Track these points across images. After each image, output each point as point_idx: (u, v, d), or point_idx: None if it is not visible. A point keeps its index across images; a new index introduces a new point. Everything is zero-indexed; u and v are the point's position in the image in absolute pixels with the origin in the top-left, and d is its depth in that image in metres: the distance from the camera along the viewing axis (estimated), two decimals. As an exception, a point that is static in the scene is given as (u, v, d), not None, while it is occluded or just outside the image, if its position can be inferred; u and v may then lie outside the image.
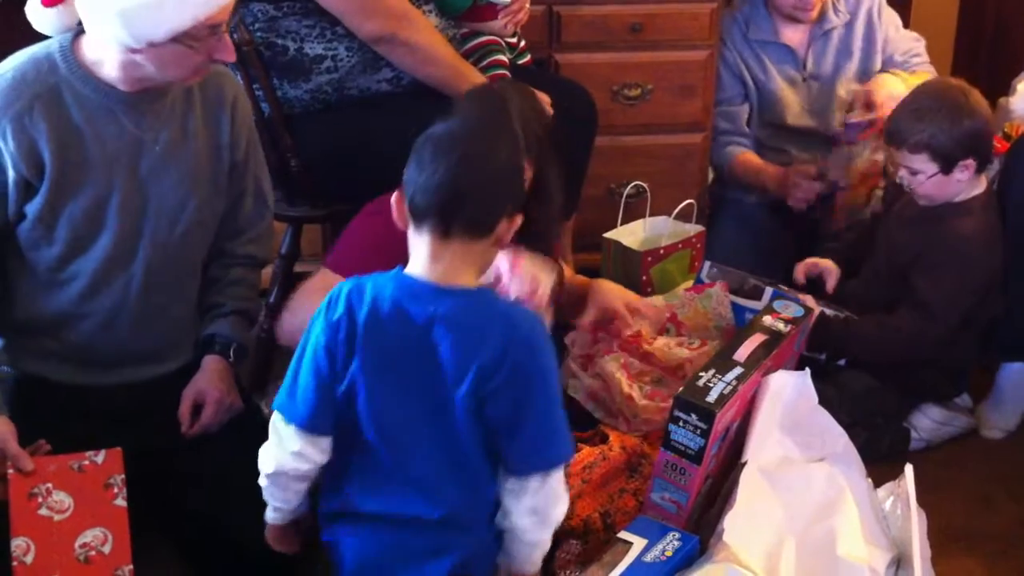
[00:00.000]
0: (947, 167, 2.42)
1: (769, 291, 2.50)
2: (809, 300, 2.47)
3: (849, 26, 3.12)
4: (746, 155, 3.14)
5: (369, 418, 1.70)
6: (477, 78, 2.57)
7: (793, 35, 3.12)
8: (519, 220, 1.72)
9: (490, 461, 1.72)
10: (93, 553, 1.86)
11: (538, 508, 1.71)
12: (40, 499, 1.88)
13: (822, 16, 3.09)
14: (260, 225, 2.30)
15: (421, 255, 1.69)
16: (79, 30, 1.96)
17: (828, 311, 2.55)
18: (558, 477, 1.71)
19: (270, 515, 1.81)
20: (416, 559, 1.73)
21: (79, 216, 2.00)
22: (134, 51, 1.88)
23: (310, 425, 1.72)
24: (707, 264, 2.64)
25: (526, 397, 1.66)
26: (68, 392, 2.09)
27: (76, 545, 1.86)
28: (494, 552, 1.77)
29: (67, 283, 2.05)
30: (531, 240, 2.27)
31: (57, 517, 1.87)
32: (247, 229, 2.28)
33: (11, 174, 1.94)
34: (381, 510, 1.73)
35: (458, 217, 1.66)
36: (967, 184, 2.47)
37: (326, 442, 1.74)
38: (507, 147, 1.72)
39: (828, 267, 2.65)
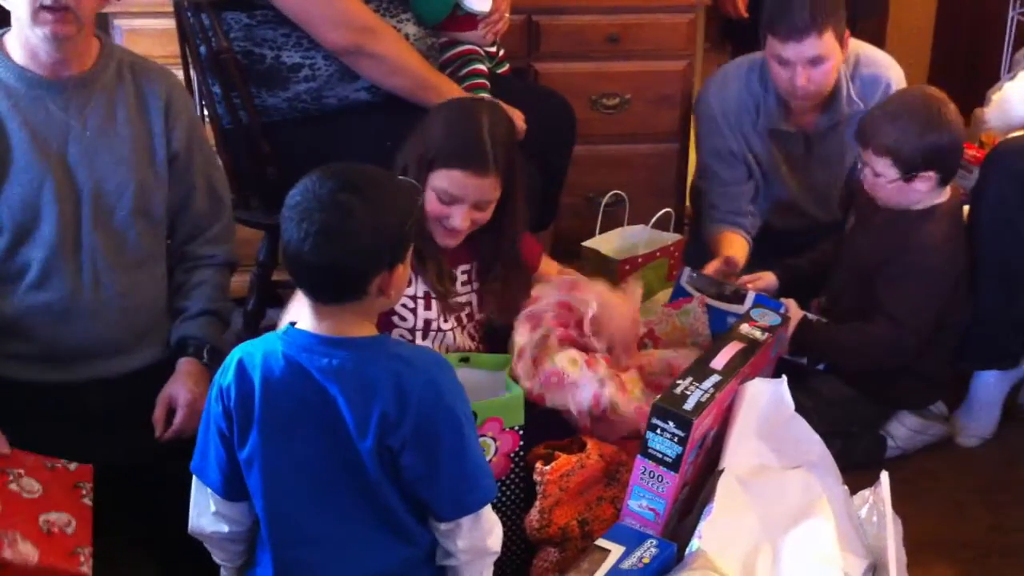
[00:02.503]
0: (908, 175, 2.43)
1: (751, 295, 2.51)
2: (791, 305, 2.48)
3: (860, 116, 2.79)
4: (727, 235, 2.91)
5: (272, 489, 1.69)
6: (446, 87, 2.57)
7: (803, 122, 2.88)
8: (402, 270, 1.68)
9: (416, 509, 1.72)
10: (56, 529, 1.86)
11: (474, 546, 1.72)
12: (11, 478, 1.89)
13: (834, 105, 2.81)
14: (217, 224, 2.30)
15: (307, 310, 1.68)
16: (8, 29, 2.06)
17: (810, 316, 2.56)
18: (487, 514, 1.72)
19: (222, 572, 1.84)
20: None
21: (16, 202, 2.04)
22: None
23: (224, 492, 1.74)
24: (686, 270, 2.64)
25: (438, 443, 1.65)
26: (38, 394, 2.08)
27: (40, 519, 1.86)
28: None
29: (19, 276, 2.07)
30: (496, 256, 2.28)
31: (25, 495, 1.88)
32: (204, 228, 2.29)
33: None
34: None
35: (320, 288, 1.65)
36: (928, 194, 2.48)
37: (244, 507, 1.75)
38: (364, 211, 1.61)
39: (764, 275, 2.65)
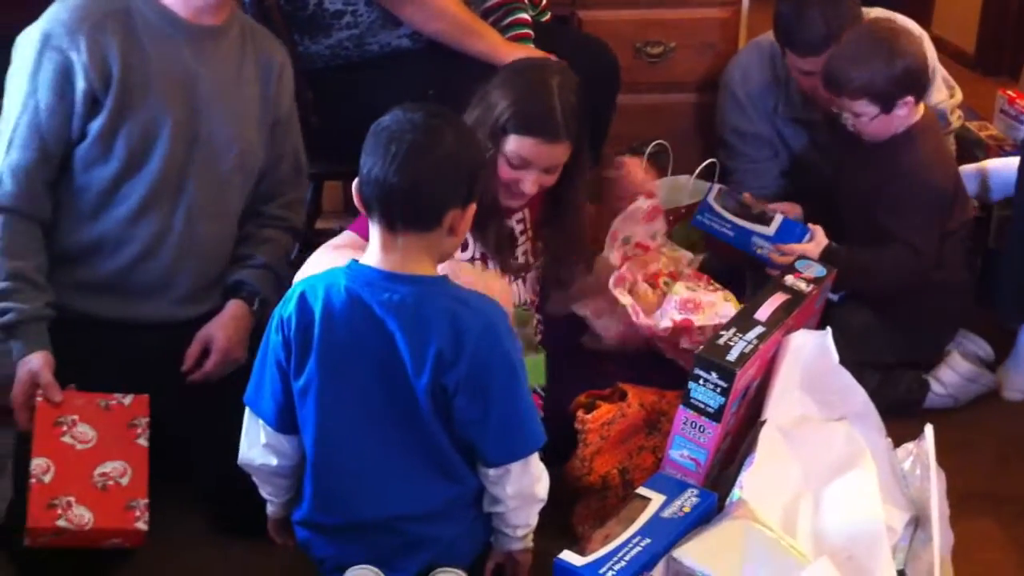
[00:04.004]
0: (887, 107, 2.45)
1: (779, 218, 2.53)
2: (818, 231, 2.47)
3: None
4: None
5: (323, 419, 1.71)
6: (488, 32, 2.56)
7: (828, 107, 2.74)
8: (472, 209, 1.71)
9: (465, 451, 1.73)
10: (111, 483, 1.90)
11: (522, 492, 1.74)
12: (65, 428, 1.93)
13: None
14: (294, 192, 2.36)
15: (375, 244, 1.69)
16: None
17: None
18: (535, 459, 1.73)
19: (268, 507, 1.86)
20: (396, 556, 1.75)
21: (136, 134, 2.08)
22: None
23: (277, 423, 1.76)
24: (716, 187, 2.64)
25: (491, 386, 1.66)
26: (97, 327, 2.11)
27: (95, 473, 1.90)
28: (479, 532, 1.79)
29: (116, 205, 2.11)
30: (559, 220, 2.28)
31: (79, 446, 1.92)
32: (282, 194, 2.33)
33: (81, 84, 2.02)
34: (349, 521, 1.75)
35: (400, 211, 1.66)
36: (908, 118, 2.50)
37: (294, 440, 1.77)
38: (453, 139, 1.67)
39: (791, 206, 2.65)
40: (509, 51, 2.53)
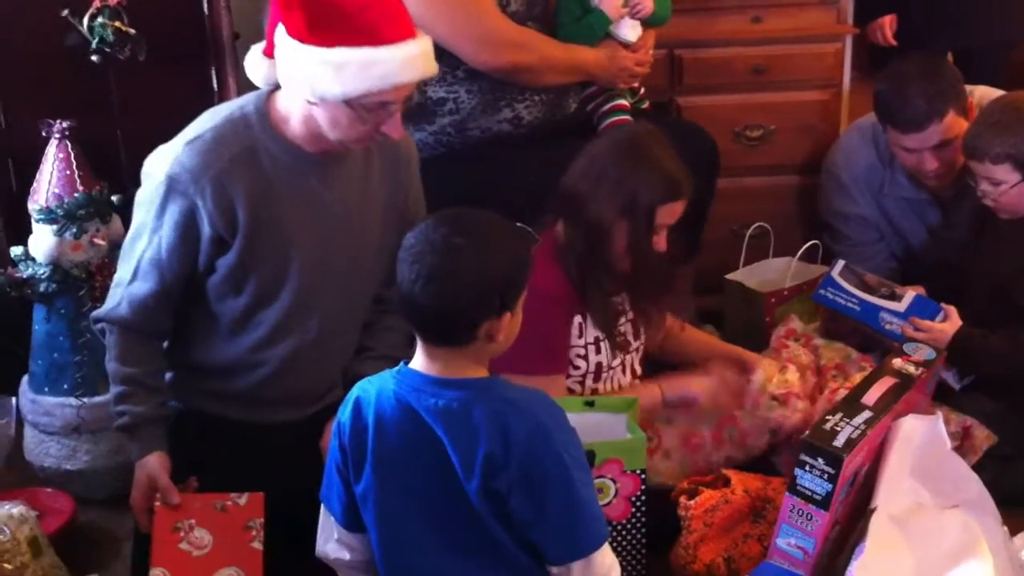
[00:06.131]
0: None
1: (911, 294, 2.50)
2: (952, 312, 2.43)
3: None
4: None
5: (384, 525, 1.72)
6: (588, 61, 2.65)
7: (935, 187, 2.80)
8: (510, 317, 1.68)
9: (529, 547, 1.69)
10: None
11: None
12: (182, 533, 1.94)
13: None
14: None
15: (419, 350, 1.71)
16: (272, 89, 2.04)
17: None
18: (601, 558, 1.68)
19: None
20: None
21: (267, 271, 2.06)
22: (311, 103, 1.95)
23: (345, 522, 1.78)
24: (840, 262, 2.61)
25: (544, 485, 1.64)
26: (229, 428, 2.13)
27: None
28: None
29: (247, 332, 2.11)
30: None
31: (196, 552, 1.93)
32: None
33: (207, 230, 2.01)
34: None
35: (430, 329, 1.68)
36: None
37: (364, 537, 1.78)
38: (475, 257, 1.65)
39: (912, 288, 2.60)
40: (604, 66, 2.67)
